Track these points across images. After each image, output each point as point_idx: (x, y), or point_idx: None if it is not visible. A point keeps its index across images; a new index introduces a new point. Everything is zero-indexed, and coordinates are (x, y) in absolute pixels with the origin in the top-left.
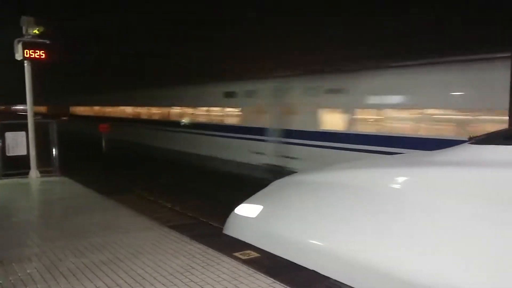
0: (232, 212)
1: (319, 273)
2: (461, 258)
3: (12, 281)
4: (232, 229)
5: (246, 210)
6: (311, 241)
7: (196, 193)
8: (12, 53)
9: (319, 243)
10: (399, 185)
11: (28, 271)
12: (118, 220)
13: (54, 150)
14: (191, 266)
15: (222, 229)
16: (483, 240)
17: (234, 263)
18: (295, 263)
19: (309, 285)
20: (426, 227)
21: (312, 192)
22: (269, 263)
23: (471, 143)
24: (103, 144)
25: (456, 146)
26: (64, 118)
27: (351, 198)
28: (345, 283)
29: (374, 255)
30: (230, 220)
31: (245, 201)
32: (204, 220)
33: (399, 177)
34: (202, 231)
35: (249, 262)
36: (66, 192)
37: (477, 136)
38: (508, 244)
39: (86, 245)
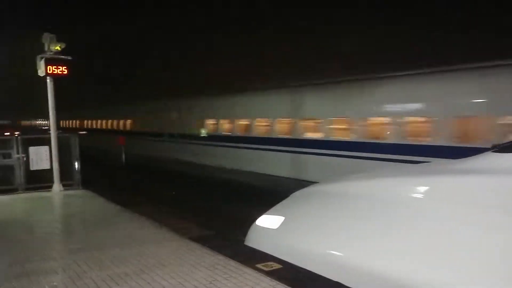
0: (253, 223)
1: (342, 284)
2: (488, 269)
3: None
4: (253, 240)
5: (267, 221)
6: (333, 252)
7: (215, 205)
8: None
9: (342, 254)
10: (422, 195)
11: (54, 283)
12: (139, 232)
13: (76, 163)
14: (214, 278)
15: (243, 240)
16: (508, 251)
17: (256, 274)
18: (318, 274)
19: None
20: (450, 238)
21: (332, 202)
22: (292, 275)
23: (493, 151)
24: (123, 156)
25: (478, 155)
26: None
27: (372, 208)
28: None
29: (397, 267)
30: (251, 231)
31: (266, 212)
32: (225, 231)
33: (422, 187)
34: (223, 243)
35: (271, 274)
36: (88, 205)
37: (500, 144)
38: None
39: (109, 257)
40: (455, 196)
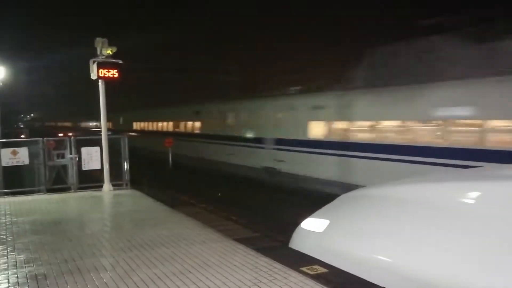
0: (298, 226)
1: None
2: None
3: None
4: (298, 243)
5: (312, 224)
6: (379, 257)
7: (259, 207)
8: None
9: (388, 260)
10: (474, 200)
11: (104, 280)
12: (185, 232)
13: (125, 164)
14: (258, 280)
15: (287, 243)
16: None
17: (301, 277)
18: (365, 279)
19: None
20: (503, 244)
21: (380, 206)
22: (337, 279)
23: None
24: (170, 158)
25: None
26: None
27: (421, 213)
28: None
29: (448, 273)
30: (296, 234)
31: (311, 215)
32: (269, 233)
33: (474, 192)
34: (267, 245)
35: (316, 277)
36: (136, 204)
37: None
38: None
39: (156, 256)
40: (508, 201)
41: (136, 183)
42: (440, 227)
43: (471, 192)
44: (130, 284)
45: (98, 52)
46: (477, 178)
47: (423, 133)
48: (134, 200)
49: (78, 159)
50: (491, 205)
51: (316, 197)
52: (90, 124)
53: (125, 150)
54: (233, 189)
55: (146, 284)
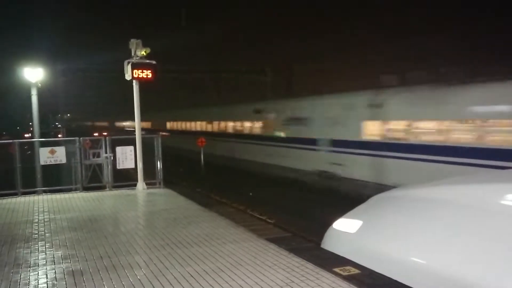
0: (330, 226)
1: None
2: None
3: (125, 286)
4: (330, 243)
5: (345, 225)
6: (413, 259)
7: (291, 207)
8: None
9: (423, 262)
10: (510, 202)
11: (138, 277)
12: (218, 231)
13: (158, 163)
14: (290, 280)
15: (319, 243)
16: None
17: (334, 278)
18: (398, 281)
19: None
20: None
21: (414, 207)
22: (370, 280)
23: None
24: (202, 158)
25: None
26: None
27: (457, 215)
28: None
29: (485, 277)
30: (328, 234)
31: (344, 215)
32: (301, 234)
33: (510, 193)
34: (299, 245)
35: (349, 279)
36: (170, 203)
37: None
38: None
39: (189, 254)
40: None
41: (171, 182)
42: (476, 229)
43: (508, 194)
44: (164, 282)
45: (133, 53)
46: None
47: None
48: (167, 199)
49: (113, 158)
50: None
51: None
52: (125, 123)
53: (158, 149)
54: (264, 188)
55: (179, 282)
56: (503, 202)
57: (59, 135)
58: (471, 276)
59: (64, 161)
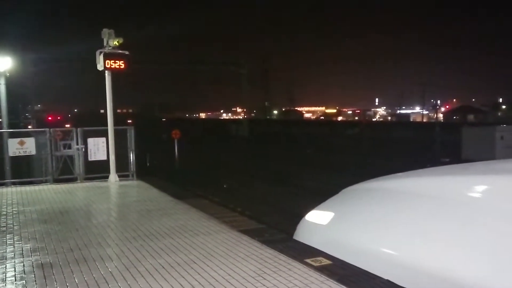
0: (303, 218)
1: (393, 283)
2: None
3: (95, 278)
4: (302, 235)
5: (317, 216)
6: (384, 249)
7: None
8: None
9: (392, 252)
10: (478, 193)
11: (109, 270)
12: (191, 223)
13: (131, 155)
14: (262, 271)
15: (292, 235)
16: None
17: (305, 269)
18: (369, 272)
19: None
20: (507, 238)
21: (384, 199)
22: (341, 271)
23: None
24: (176, 150)
25: None
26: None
27: (426, 206)
28: None
29: (451, 266)
30: (301, 226)
31: (316, 207)
32: (272, 226)
33: (478, 185)
34: (272, 237)
35: (321, 269)
36: (142, 195)
37: None
38: None
39: (161, 246)
40: None
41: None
42: (445, 220)
43: (476, 186)
44: (135, 273)
45: (105, 43)
46: (484, 172)
47: None
48: (140, 190)
49: (85, 149)
50: (497, 199)
51: None
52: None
53: (131, 141)
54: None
55: (151, 274)
56: (470, 194)
57: (29, 126)
58: (441, 265)
59: (34, 152)
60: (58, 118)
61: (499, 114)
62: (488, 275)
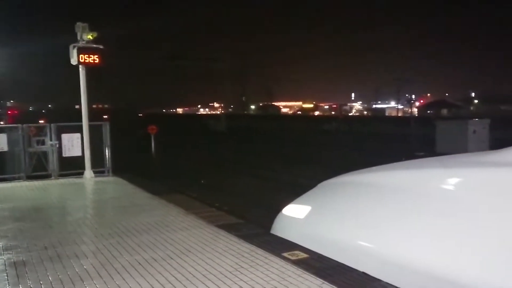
0: (280, 212)
1: (369, 275)
2: None
3: (70, 276)
4: (279, 229)
5: (294, 210)
6: (360, 242)
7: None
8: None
9: (369, 245)
10: (452, 186)
11: (85, 267)
12: (168, 218)
13: (107, 151)
14: (240, 266)
15: (269, 229)
16: None
17: (282, 263)
18: (345, 264)
19: (359, 286)
20: (480, 229)
21: (360, 192)
22: (318, 264)
23: None
24: (152, 145)
25: (509, 147)
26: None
27: (401, 199)
28: (396, 285)
29: (425, 257)
30: (278, 220)
31: (293, 201)
32: (250, 220)
33: (452, 178)
34: (249, 231)
35: (297, 263)
36: (118, 191)
37: None
38: None
39: (138, 242)
40: (487, 187)
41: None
42: (419, 212)
43: (450, 178)
44: (111, 270)
45: (79, 37)
46: (458, 165)
47: None
48: (116, 187)
49: (59, 145)
50: (469, 191)
51: None
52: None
53: (106, 137)
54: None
55: (127, 271)
56: (444, 186)
57: (1, 122)
58: (416, 256)
59: (5, 149)
60: (15, 112)
61: (472, 108)
62: (461, 265)
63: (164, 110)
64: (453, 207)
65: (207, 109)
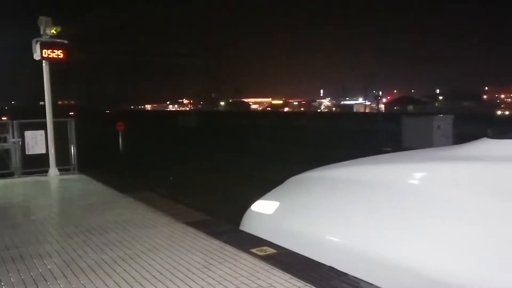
0: (248, 209)
1: (336, 269)
2: (482, 254)
3: (33, 277)
4: (248, 225)
5: (262, 206)
6: (327, 237)
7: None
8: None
9: (336, 239)
10: (418, 180)
11: (48, 267)
12: (135, 216)
13: (72, 148)
14: (208, 262)
15: (238, 226)
16: (503, 236)
17: (251, 259)
18: (312, 259)
19: (327, 281)
20: (445, 222)
21: (328, 188)
22: (286, 259)
23: (490, 138)
24: (120, 142)
25: (475, 141)
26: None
27: (368, 193)
28: (362, 279)
29: (392, 250)
30: (247, 216)
31: (261, 197)
32: (220, 217)
33: (418, 172)
34: (218, 228)
35: (266, 258)
36: (84, 189)
37: (496, 131)
38: None
39: (104, 241)
40: (451, 182)
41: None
42: (385, 206)
43: (415, 173)
44: (76, 270)
45: (42, 32)
46: (424, 159)
47: None
48: (82, 185)
49: (22, 143)
50: (433, 185)
51: None
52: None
53: (72, 134)
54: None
55: (93, 270)
56: (410, 180)
57: None
58: (382, 251)
59: None
60: None
61: (437, 104)
62: (427, 259)
63: (132, 107)
64: (421, 200)
65: (176, 106)
